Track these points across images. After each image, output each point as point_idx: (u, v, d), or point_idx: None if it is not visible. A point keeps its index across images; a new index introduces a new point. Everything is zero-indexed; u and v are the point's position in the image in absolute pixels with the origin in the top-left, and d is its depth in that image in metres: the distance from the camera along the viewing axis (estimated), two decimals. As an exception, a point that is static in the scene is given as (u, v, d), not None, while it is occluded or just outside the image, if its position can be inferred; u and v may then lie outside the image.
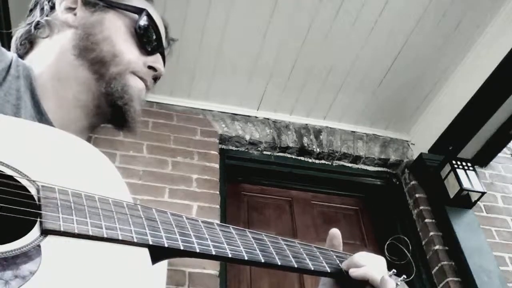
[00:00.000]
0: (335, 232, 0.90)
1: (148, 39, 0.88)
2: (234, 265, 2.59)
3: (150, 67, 0.88)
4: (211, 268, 2.33)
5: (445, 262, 2.67)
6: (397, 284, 0.80)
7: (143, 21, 0.88)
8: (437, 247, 2.74)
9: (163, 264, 2.14)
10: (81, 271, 0.53)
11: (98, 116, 0.86)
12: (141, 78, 0.86)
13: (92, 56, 0.82)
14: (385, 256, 0.87)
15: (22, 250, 0.51)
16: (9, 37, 0.95)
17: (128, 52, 0.85)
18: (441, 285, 2.64)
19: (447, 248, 2.74)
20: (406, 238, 0.97)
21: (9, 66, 0.80)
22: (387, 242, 0.93)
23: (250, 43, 2.79)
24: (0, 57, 0.79)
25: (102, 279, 0.54)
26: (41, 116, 0.79)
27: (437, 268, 2.69)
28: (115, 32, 0.86)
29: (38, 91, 0.81)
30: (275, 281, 2.64)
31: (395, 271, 0.82)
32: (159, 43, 0.91)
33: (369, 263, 0.82)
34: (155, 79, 0.91)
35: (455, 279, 2.62)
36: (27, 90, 0.80)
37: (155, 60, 0.89)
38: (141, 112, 0.87)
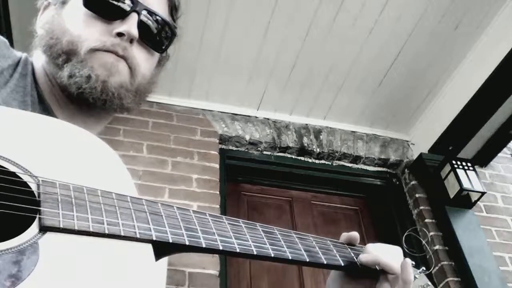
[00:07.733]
0: (355, 235, 0.86)
1: (103, 6, 0.81)
2: (234, 265, 2.59)
3: (118, 34, 0.81)
4: (211, 268, 2.32)
5: (445, 262, 2.67)
6: (415, 277, 0.77)
7: None
8: (437, 247, 2.74)
9: (163, 263, 2.13)
10: (80, 270, 0.51)
11: (94, 109, 0.81)
12: (108, 51, 0.80)
13: (54, 51, 0.79)
14: (402, 248, 0.84)
15: (19, 248, 0.50)
16: (10, 37, 0.95)
17: (85, 31, 0.80)
18: (441, 285, 2.64)
19: (447, 248, 2.73)
20: (425, 230, 0.94)
21: (17, 64, 0.80)
22: (405, 234, 0.91)
23: (250, 43, 2.78)
24: (9, 53, 0.79)
25: (102, 278, 0.52)
26: (47, 113, 0.79)
27: (437, 268, 2.69)
28: (73, 18, 0.82)
29: (41, 89, 0.82)
30: (275, 280, 2.64)
31: (413, 263, 0.79)
32: (127, 3, 0.83)
33: (381, 251, 0.80)
34: (132, 41, 0.82)
35: (455, 279, 2.61)
36: (33, 88, 0.80)
37: (121, 24, 0.82)
38: (128, 84, 0.81)
